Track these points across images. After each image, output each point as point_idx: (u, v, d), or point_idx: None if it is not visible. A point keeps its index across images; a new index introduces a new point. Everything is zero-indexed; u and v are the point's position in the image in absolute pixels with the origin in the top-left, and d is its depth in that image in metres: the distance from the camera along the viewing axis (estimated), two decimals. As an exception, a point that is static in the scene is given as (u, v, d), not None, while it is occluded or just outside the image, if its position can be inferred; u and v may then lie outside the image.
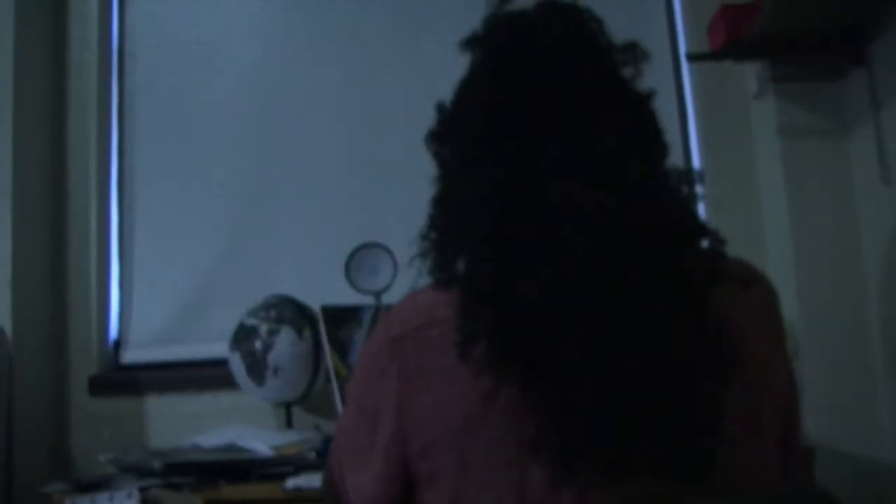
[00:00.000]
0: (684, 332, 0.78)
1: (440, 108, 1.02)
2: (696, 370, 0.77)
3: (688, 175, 0.90)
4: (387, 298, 2.03)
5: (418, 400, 0.86)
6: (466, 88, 0.96)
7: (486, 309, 0.80)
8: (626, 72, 0.92)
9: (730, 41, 1.91)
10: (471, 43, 0.95)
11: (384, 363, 0.90)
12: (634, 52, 0.92)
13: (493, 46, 0.93)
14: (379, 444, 0.91)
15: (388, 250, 2.04)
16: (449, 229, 0.90)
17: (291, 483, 1.61)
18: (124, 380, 2.33)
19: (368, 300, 2.03)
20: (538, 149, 0.84)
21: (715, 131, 2.30)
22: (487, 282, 0.81)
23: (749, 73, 2.17)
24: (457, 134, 0.95)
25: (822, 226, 1.96)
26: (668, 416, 0.76)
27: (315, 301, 2.02)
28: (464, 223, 0.87)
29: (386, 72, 2.44)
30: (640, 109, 0.91)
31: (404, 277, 1.97)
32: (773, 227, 2.10)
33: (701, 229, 0.86)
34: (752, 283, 0.93)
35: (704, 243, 0.86)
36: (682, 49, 2.35)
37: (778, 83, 2.02)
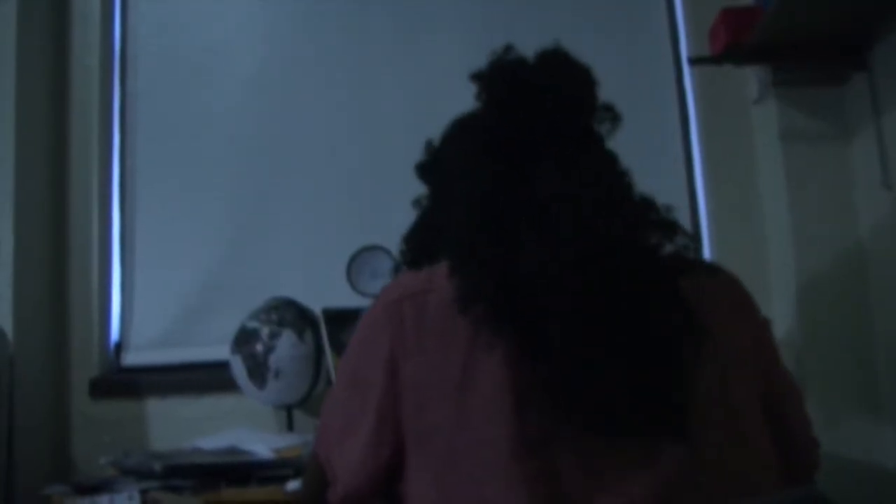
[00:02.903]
0: (658, 303, 0.87)
1: (428, 145, 1.15)
2: (670, 335, 0.85)
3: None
4: (388, 302, 2.03)
5: (413, 360, 0.92)
6: (468, 118, 1.06)
7: (486, 272, 0.88)
8: (602, 127, 1.01)
9: (731, 45, 1.91)
10: (476, 78, 1.01)
11: (380, 326, 0.95)
12: (613, 113, 1.01)
13: (498, 88, 0.99)
14: (370, 406, 0.94)
15: (389, 253, 2.04)
16: (448, 216, 0.99)
17: (292, 486, 1.60)
18: (125, 382, 2.33)
19: (370, 303, 2.03)
20: (533, 160, 0.93)
21: (716, 135, 2.31)
22: (487, 250, 0.89)
23: (750, 78, 2.17)
24: (456, 153, 1.05)
25: (823, 230, 1.97)
26: (646, 373, 0.84)
27: (316, 304, 2.03)
28: (462, 208, 0.95)
29: (387, 75, 2.44)
30: (612, 156, 1.00)
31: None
32: (775, 231, 2.10)
33: (672, 231, 0.94)
34: (718, 273, 1.02)
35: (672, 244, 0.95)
36: (684, 53, 2.35)
37: (779, 88, 2.02)
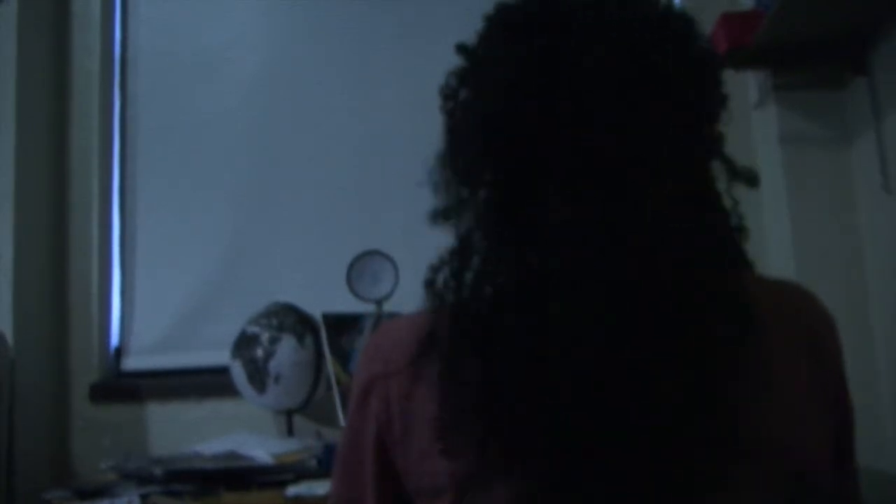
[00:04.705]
0: (685, 422, 0.68)
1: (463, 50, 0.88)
2: (695, 464, 0.68)
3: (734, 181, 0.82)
4: (388, 306, 2.03)
5: (403, 446, 0.80)
6: (480, 77, 0.83)
7: (467, 401, 0.72)
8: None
9: (731, 50, 1.91)
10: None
11: (368, 404, 0.84)
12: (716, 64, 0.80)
13: (519, 29, 0.78)
14: (370, 489, 0.84)
15: (389, 258, 2.04)
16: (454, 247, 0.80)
17: (292, 491, 1.60)
18: (125, 387, 2.33)
19: (370, 308, 2.03)
20: (546, 180, 0.73)
21: (716, 140, 2.30)
22: (469, 359, 0.73)
23: (750, 82, 2.17)
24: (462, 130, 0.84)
25: (823, 235, 1.96)
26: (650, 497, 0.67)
27: (316, 309, 2.03)
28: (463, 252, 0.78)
29: (390, 80, 2.44)
30: (692, 116, 0.78)
31: (405, 285, 1.98)
32: (775, 236, 2.10)
33: (721, 271, 0.75)
34: (781, 326, 0.79)
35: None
36: (684, 57, 2.35)
37: (779, 92, 2.02)
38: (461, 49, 0.86)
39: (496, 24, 0.83)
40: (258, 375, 2.01)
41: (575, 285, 0.69)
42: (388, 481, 0.83)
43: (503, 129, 0.75)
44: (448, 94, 0.87)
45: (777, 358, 0.75)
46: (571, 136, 0.72)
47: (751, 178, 0.82)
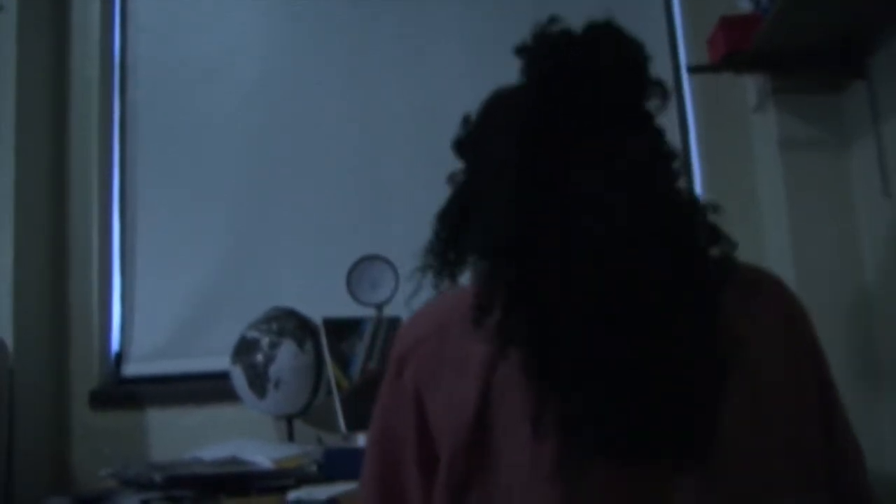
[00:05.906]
0: (688, 329, 0.79)
1: (466, 120, 1.07)
2: (696, 365, 0.79)
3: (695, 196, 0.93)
4: (388, 311, 2.03)
5: (434, 397, 0.88)
6: (509, 94, 0.99)
7: (504, 292, 0.84)
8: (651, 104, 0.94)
9: (730, 54, 1.91)
10: (520, 52, 0.95)
11: (402, 375, 0.91)
12: (662, 89, 0.94)
13: (540, 62, 0.92)
14: (409, 462, 0.90)
15: (389, 263, 2.04)
16: (477, 211, 0.94)
17: (293, 496, 1.60)
18: (125, 393, 2.33)
19: (370, 312, 2.03)
20: (572, 151, 0.86)
21: (715, 144, 2.31)
22: (508, 270, 0.84)
23: (749, 86, 2.18)
24: (490, 141, 0.98)
25: (822, 238, 1.96)
26: (666, 403, 0.77)
27: (316, 313, 2.02)
28: (489, 211, 0.91)
29: (389, 85, 2.44)
30: (660, 137, 0.94)
31: (406, 290, 1.98)
32: (774, 239, 2.10)
33: (715, 236, 0.90)
34: (763, 289, 0.95)
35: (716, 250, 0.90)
36: (683, 61, 2.36)
37: (778, 95, 2.02)
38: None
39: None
40: (258, 381, 2.01)
41: (591, 240, 0.81)
42: (428, 447, 0.88)
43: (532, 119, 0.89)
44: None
45: (754, 329, 0.87)
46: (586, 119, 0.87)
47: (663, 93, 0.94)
